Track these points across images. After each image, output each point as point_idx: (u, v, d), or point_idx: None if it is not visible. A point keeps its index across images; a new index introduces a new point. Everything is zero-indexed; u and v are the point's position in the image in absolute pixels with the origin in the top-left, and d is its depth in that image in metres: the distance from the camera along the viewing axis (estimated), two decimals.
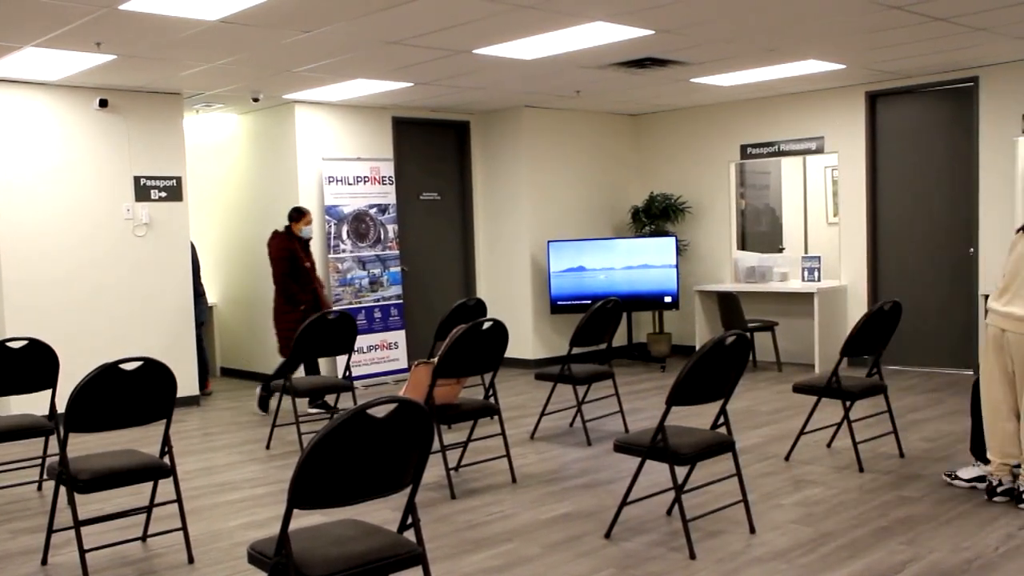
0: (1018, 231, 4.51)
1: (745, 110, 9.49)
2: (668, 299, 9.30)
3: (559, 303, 9.39)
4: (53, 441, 5.11)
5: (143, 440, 6.06)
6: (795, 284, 9.12)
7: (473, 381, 6.42)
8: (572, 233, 9.85)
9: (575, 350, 6.29)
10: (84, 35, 5.62)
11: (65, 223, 7.35)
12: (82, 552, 3.85)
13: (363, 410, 2.59)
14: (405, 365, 8.96)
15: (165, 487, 4.31)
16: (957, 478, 4.87)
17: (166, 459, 4.03)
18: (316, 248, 8.67)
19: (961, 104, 8.17)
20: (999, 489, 4.55)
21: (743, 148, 9.56)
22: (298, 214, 7.38)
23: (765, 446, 5.94)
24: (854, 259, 8.81)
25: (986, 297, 7.58)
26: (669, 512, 4.55)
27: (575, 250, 9.39)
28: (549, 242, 9.38)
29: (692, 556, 3.95)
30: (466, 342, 5.09)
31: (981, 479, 4.77)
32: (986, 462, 4.72)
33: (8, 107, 7.11)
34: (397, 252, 9.06)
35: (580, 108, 9.73)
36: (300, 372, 7.43)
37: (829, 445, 5.84)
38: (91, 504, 4.85)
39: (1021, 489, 4.47)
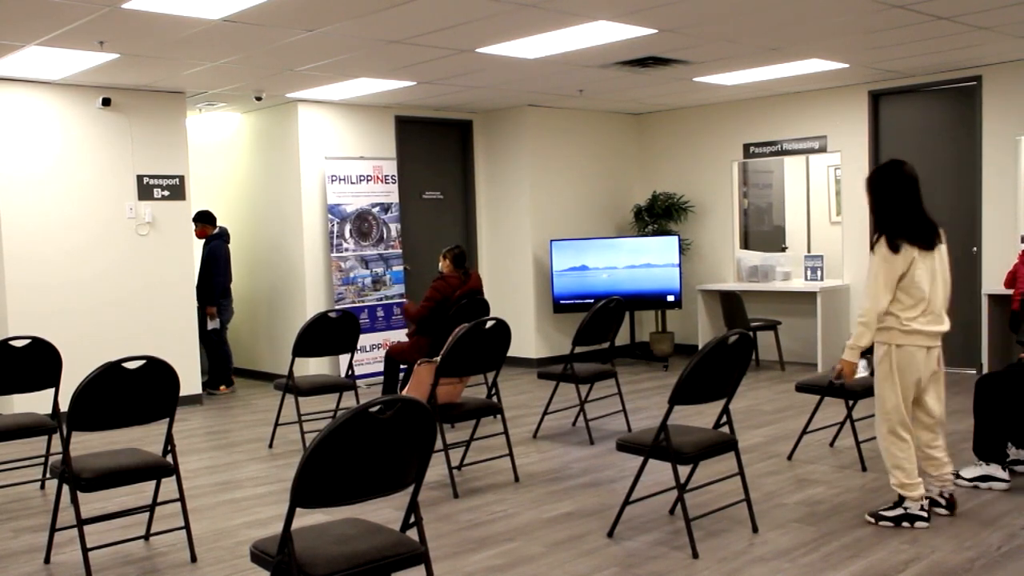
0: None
1: (748, 109, 9.48)
2: (671, 298, 9.29)
3: (562, 302, 9.38)
4: (56, 440, 5.10)
5: (146, 439, 6.07)
6: (798, 283, 9.11)
7: (476, 380, 6.42)
8: (575, 232, 9.85)
9: (578, 349, 6.30)
10: (87, 34, 5.62)
11: (68, 222, 7.35)
12: (85, 551, 3.86)
13: (366, 409, 2.59)
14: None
15: (168, 486, 4.32)
16: (960, 477, 4.87)
17: (169, 458, 4.04)
18: (318, 247, 8.69)
19: (964, 103, 8.15)
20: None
21: (746, 147, 9.55)
22: None
23: (768, 445, 5.94)
24: (857, 258, 8.79)
25: (989, 296, 7.63)
26: (672, 511, 4.55)
27: (578, 249, 9.39)
28: (552, 241, 9.38)
29: (695, 555, 3.94)
30: (469, 341, 5.09)
31: (984, 479, 4.78)
32: (988, 462, 4.74)
33: (11, 106, 7.11)
34: (400, 251, 9.07)
35: (583, 107, 9.72)
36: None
37: (832, 444, 5.84)
38: (94, 503, 4.85)
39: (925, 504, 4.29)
